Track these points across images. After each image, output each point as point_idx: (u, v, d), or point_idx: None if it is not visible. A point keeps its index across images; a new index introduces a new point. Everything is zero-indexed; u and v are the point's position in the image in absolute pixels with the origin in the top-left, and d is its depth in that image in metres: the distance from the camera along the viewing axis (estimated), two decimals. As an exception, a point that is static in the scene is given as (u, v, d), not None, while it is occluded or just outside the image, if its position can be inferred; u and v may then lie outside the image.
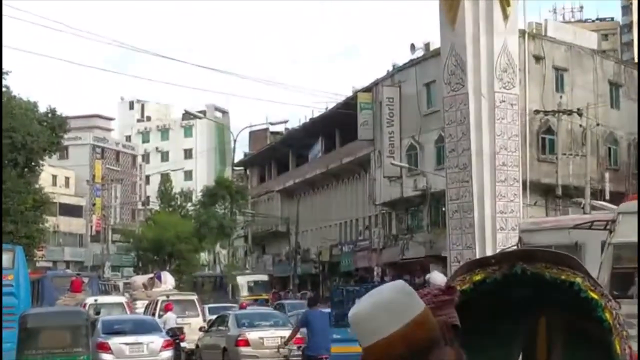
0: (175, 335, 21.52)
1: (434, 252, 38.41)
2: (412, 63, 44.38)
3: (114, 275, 65.77)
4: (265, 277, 46.18)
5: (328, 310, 19.43)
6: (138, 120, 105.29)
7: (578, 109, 36.85)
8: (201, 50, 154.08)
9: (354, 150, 50.22)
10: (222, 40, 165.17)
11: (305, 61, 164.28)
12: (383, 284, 2.78)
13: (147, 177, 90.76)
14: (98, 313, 22.84)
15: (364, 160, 48.83)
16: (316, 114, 57.69)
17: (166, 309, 24.24)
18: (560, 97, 39.18)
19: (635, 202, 12.23)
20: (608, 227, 11.80)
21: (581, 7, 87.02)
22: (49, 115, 46.43)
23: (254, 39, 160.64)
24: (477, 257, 18.89)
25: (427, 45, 44.44)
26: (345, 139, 51.76)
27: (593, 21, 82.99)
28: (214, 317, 24.27)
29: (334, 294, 39.79)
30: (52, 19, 76.31)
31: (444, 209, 25.92)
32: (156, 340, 19.34)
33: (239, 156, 69.47)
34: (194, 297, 27.71)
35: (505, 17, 21.10)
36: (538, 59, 39.26)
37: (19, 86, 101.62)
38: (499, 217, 20.51)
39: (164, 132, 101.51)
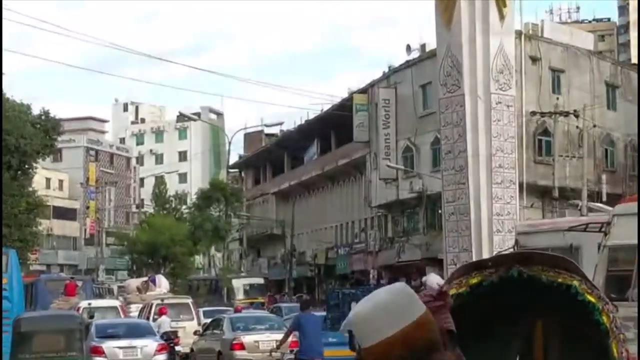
0: (170, 339, 21.41)
1: (430, 254, 38.22)
2: (408, 64, 44.25)
3: (108, 279, 65.48)
4: (261, 280, 46.03)
5: (320, 313, 19.27)
6: (132, 123, 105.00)
7: (575, 111, 36.72)
8: (196, 51, 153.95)
9: (350, 152, 50.06)
10: (216, 41, 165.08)
11: (300, 62, 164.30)
12: (379, 287, 2.68)
13: (142, 180, 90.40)
14: (92, 317, 22.78)
15: (360, 162, 48.67)
16: (311, 116, 57.62)
17: (160, 312, 24.13)
18: (557, 98, 39.05)
19: (631, 204, 12.20)
20: (603, 229, 11.75)
21: (578, 8, 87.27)
22: (43, 117, 46.19)
23: (249, 41, 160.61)
24: (474, 259, 18.83)
25: (423, 47, 44.34)
26: (341, 140, 51.58)
27: (589, 22, 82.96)
28: (208, 320, 24.20)
29: (330, 297, 39.67)
30: (45, 20, 76.27)
31: (440, 211, 25.74)
32: (150, 344, 19.25)
33: (233, 158, 69.47)
34: (189, 301, 27.73)
35: (502, 17, 20.99)
36: (534, 60, 39.13)
37: (12, 88, 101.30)
38: (496, 220, 20.42)
39: (159, 134, 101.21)
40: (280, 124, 53.65)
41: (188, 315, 26.01)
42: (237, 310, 28.37)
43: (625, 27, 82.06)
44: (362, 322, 2.40)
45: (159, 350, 19.22)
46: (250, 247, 64.27)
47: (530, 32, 40.46)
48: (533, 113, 37.99)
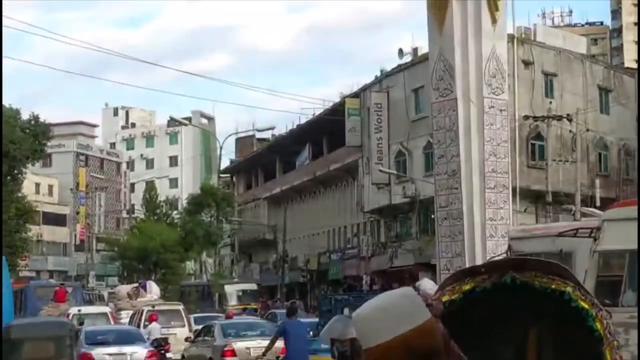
0: (160, 346, 21.30)
1: (423, 259, 38.04)
2: (400, 68, 44.13)
3: (99, 285, 65.23)
4: (254, 286, 45.85)
5: (312, 319, 19.12)
6: (122, 127, 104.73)
7: (568, 115, 36.64)
8: (187, 55, 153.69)
9: (342, 156, 49.90)
10: (207, 45, 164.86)
11: (292, 67, 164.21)
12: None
13: (132, 185, 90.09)
14: (82, 323, 22.71)
15: (352, 167, 48.52)
16: (303, 120, 57.45)
17: (151, 319, 24.02)
18: (550, 102, 38.95)
19: (621, 209, 12.19)
20: (593, 234, 11.73)
21: (570, 12, 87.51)
22: (32, 122, 45.96)
23: (241, 44, 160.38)
24: (467, 264, 18.74)
25: (415, 50, 44.24)
26: (333, 145, 51.42)
27: (582, 25, 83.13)
28: (200, 327, 24.03)
29: (322, 303, 39.42)
30: (33, 24, 75.75)
31: (433, 216, 25.63)
32: (140, 351, 19.17)
33: (225, 163, 69.21)
34: (180, 307, 27.69)
35: (494, 21, 20.85)
36: (527, 64, 39.04)
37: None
38: (489, 224, 20.26)
39: (149, 139, 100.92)
40: (272, 128, 53.65)
41: (179, 322, 25.90)
42: (228, 317, 28.20)
43: (618, 31, 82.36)
44: (364, 322, 2.44)
45: (149, 357, 19.10)
46: (241, 252, 64.01)
47: (523, 36, 40.37)
48: (526, 117, 37.89)
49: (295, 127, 59.65)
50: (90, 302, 37.50)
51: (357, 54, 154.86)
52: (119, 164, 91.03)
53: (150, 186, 71.20)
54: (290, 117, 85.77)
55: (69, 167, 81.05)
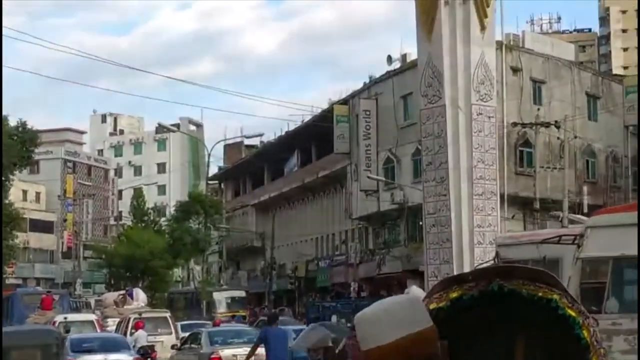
0: (147, 354, 21.21)
1: (411, 266, 37.94)
2: (389, 75, 44.09)
3: (86, 293, 64.92)
4: (242, 293, 45.78)
5: (287, 327, 19.12)
6: (110, 134, 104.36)
7: (556, 122, 36.66)
8: (175, 62, 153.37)
9: (330, 163, 49.81)
10: (195, 52, 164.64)
11: (280, 73, 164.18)
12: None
13: (120, 192, 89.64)
14: (68, 331, 22.56)
15: (341, 174, 48.42)
16: (292, 127, 57.34)
17: (137, 326, 23.94)
18: (538, 109, 38.98)
19: (604, 216, 12.26)
20: (576, 241, 11.75)
21: (559, 18, 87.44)
22: (20, 129, 45.67)
23: (229, 51, 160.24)
24: (455, 271, 18.78)
25: (404, 57, 44.22)
26: (322, 152, 51.33)
27: (571, 32, 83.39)
28: (187, 334, 23.92)
29: (310, 310, 39.31)
30: (20, 30, 75.18)
31: (421, 223, 25.63)
32: (125, 359, 19.03)
33: (213, 170, 68.91)
34: (167, 314, 27.62)
35: (483, 28, 20.94)
36: (515, 70, 39.08)
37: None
38: (477, 231, 20.37)
39: (137, 145, 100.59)
40: (260, 135, 53.41)
41: (166, 329, 25.74)
42: (215, 324, 28.09)
43: (606, 38, 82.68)
44: (366, 324, 2.50)
45: (135, 365, 19.01)
46: (229, 259, 63.82)
47: (511, 42, 40.39)
48: (514, 124, 37.92)
49: (283, 133, 59.57)
50: (77, 310, 37.36)
51: (345, 61, 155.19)
52: (106, 171, 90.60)
53: (138, 193, 70.91)
54: (279, 124, 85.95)
55: (57, 174, 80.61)
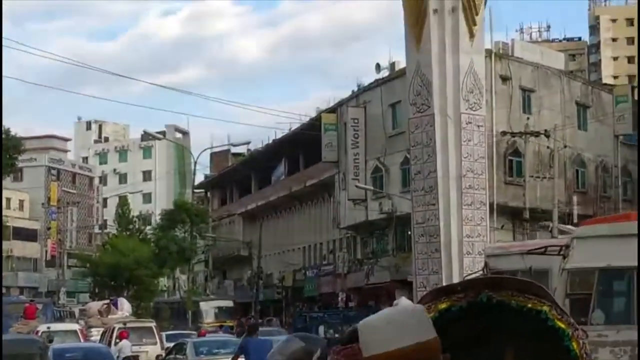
0: (131, 364, 20.76)
1: (400, 276, 37.64)
2: (378, 83, 43.93)
3: (70, 302, 64.47)
4: (230, 303, 45.59)
5: (273, 338, 19.10)
6: (95, 141, 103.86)
7: (545, 131, 36.56)
8: (161, 69, 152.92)
9: (318, 172, 49.56)
10: (182, 58, 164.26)
11: (267, 80, 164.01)
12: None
13: (105, 200, 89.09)
14: (51, 341, 22.36)
15: (328, 183, 48.18)
16: (279, 135, 57.07)
17: (121, 336, 23.76)
18: (528, 118, 38.87)
19: (590, 227, 12.41)
20: (562, 252, 11.74)
21: (548, 27, 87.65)
22: (3, 136, 45.09)
23: (216, 58, 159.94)
24: (444, 281, 18.63)
25: (392, 65, 44.10)
26: (309, 160, 51.07)
27: (560, 41, 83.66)
28: (172, 344, 23.74)
29: (297, 320, 38.91)
30: (4, 37, 74.70)
31: (409, 232, 25.50)
32: (108, 369, 18.71)
33: (199, 178, 68.61)
34: (152, 324, 27.61)
35: (472, 36, 20.84)
36: (505, 79, 38.96)
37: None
38: (466, 241, 20.25)
39: (122, 153, 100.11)
40: (247, 143, 53.04)
41: (151, 339, 25.69)
42: (201, 335, 27.86)
43: (596, 47, 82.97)
44: (370, 330, 2.54)
45: (118, 376, 18.68)
46: (216, 269, 63.45)
47: (501, 51, 40.29)
48: (503, 133, 37.80)
49: (271, 142, 59.28)
50: (60, 319, 37.27)
51: (334, 68, 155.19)
52: (91, 179, 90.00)
53: (123, 201, 70.46)
54: (266, 132, 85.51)
55: (41, 181, 80.00)
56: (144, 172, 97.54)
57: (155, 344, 25.25)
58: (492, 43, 38.53)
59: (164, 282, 67.69)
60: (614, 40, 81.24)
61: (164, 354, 23.13)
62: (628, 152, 43.22)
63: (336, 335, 25.68)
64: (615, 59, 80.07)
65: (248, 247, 58.61)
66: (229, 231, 64.56)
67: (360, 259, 45.83)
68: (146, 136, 78.74)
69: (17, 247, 73.67)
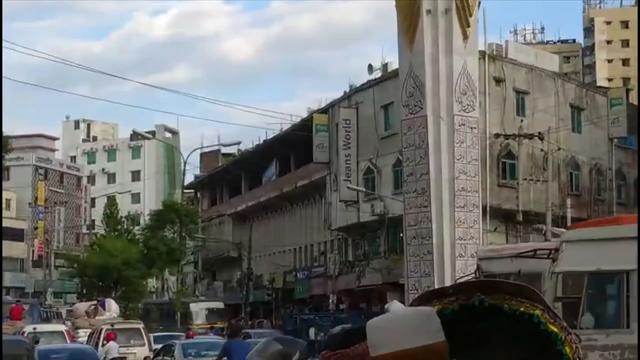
0: (118, 365, 20.57)
1: (392, 279, 37.37)
2: (370, 84, 43.72)
3: (57, 302, 64.05)
4: (221, 305, 45.50)
5: (250, 340, 19.16)
6: (83, 140, 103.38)
7: (539, 133, 36.40)
8: (151, 68, 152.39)
9: (309, 173, 49.30)
10: (172, 58, 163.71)
11: (258, 80, 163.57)
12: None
13: (93, 200, 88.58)
14: (37, 342, 22.17)
15: (320, 184, 47.93)
16: (270, 136, 56.81)
17: (108, 337, 23.66)
18: (521, 120, 38.69)
19: (579, 230, 12.46)
20: (551, 255, 11.78)
21: (542, 29, 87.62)
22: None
23: (207, 57, 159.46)
24: (436, 284, 18.50)
25: (385, 66, 43.94)
26: (300, 161, 50.82)
27: (554, 43, 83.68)
28: (160, 346, 23.53)
29: (287, 322, 38.64)
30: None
31: (401, 234, 25.39)
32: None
33: (189, 178, 68.27)
34: (140, 326, 27.65)
35: (465, 38, 20.94)
36: (498, 81, 38.79)
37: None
38: (458, 244, 20.36)
39: (111, 152, 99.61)
40: (238, 143, 52.77)
41: (139, 341, 25.66)
42: (189, 336, 27.68)
43: (590, 49, 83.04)
44: (376, 331, 2.60)
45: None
46: (205, 270, 63.08)
47: (494, 52, 40.16)
48: (497, 135, 37.65)
49: (261, 142, 59.05)
50: (47, 320, 37.11)
51: (325, 69, 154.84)
52: (79, 178, 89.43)
53: (111, 201, 69.98)
54: (257, 132, 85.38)
55: (28, 180, 79.42)
56: (133, 172, 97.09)
57: (143, 345, 25.15)
58: (486, 44, 38.42)
59: (152, 283, 67.25)
60: (608, 42, 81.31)
61: (151, 356, 22.99)
62: (622, 155, 43.15)
63: (326, 337, 25.30)
64: (609, 61, 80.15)
65: (238, 248, 58.34)
66: (218, 232, 64.25)
67: (352, 260, 45.61)
68: (135, 136, 78.37)
69: (3, 247, 73.01)
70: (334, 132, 45.13)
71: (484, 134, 33.82)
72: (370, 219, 41.99)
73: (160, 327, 36.75)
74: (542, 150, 37.32)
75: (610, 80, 73.20)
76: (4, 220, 72.65)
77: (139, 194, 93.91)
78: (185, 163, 46.79)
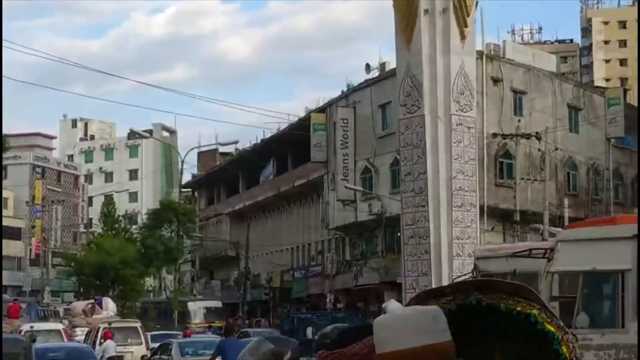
0: (115, 364, 20.55)
1: (389, 278, 37.38)
2: (368, 83, 43.70)
3: (54, 301, 64.07)
4: (218, 304, 45.46)
5: (244, 339, 19.14)
6: (81, 139, 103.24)
7: (537, 133, 36.42)
8: (148, 67, 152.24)
9: (307, 172, 49.30)
10: (169, 57, 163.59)
11: (256, 79, 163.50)
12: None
13: (90, 199, 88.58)
14: (34, 340, 22.17)
15: (317, 183, 47.92)
16: (268, 135, 56.78)
17: (106, 336, 23.62)
18: (519, 120, 38.72)
19: (575, 230, 12.51)
20: (547, 255, 11.84)
21: (540, 29, 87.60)
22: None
23: (204, 56, 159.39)
24: (433, 283, 18.54)
25: (382, 65, 43.90)
26: (298, 160, 50.81)
27: (552, 43, 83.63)
28: (157, 345, 23.53)
29: (284, 322, 38.69)
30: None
31: (399, 234, 25.25)
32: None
33: (186, 177, 68.25)
34: (137, 324, 27.58)
35: (463, 37, 20.85)
36: (496, 81, 38.80)
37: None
38: (456, 243, 20.23)
39: (108, 151, 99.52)
40: (235, 142, 52.59)
41: (136, 340, 25.63)
42: (186, 335, 27.65)
43: (588, 49, 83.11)
44: (385, 328, 2.63)
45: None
46: (202, 269, 63.07)
47: (492, 52, 40.15)
48: (494, 135, 37.69)
49: (259, 141, 59.04)
50: (45, 319, 37.09)
51: (323, 68, 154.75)
52: (76, 177, 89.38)
53: (108, 200, 69.96)
54: (254, 131, 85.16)
55: (25, 179, 79.39)
56: (130, 171, 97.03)
57: (141, 344, 25.14)
58: (484, 44, 38.42)
59: (150, 282, 67.26)
60: (606, 42, 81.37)
61: (149, 355, 22.92)
62: (620, 155, 43.21)
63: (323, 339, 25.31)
64: (607, 61, 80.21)
65: (235, 247, 58.35)
66: (216, 231, 64.25)
67: (349, 260, 45.60)
68: (133, 134, 78.32)
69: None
70: (332, 132, 45.12)
71: (481, 133, 33.79)
72: (368, 218, 41.99)
73: (158, 326, 36.76)
74: (539, 150, 37.33)
75: (607, 80, 73.21)
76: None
77: (136, 192, 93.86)
78: (182, 162, 46.69)
